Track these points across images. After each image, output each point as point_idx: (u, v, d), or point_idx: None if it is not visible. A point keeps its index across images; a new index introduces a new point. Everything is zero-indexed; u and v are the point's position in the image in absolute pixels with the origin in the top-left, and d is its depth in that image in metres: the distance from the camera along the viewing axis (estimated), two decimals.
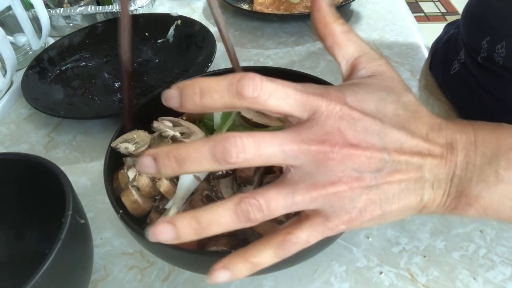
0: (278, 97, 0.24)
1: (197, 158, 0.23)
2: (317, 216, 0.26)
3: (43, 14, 0.67)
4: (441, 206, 0.27)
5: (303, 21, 0.77)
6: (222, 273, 0.25)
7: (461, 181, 0.26)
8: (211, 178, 0.37)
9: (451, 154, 0.26)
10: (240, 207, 0.24)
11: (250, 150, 0.23)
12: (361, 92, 0.27)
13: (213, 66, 0.61)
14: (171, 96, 0.24)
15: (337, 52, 0.29)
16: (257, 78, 0.24)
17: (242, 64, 0.68)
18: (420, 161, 0.26)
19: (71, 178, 0.36)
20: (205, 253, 0.33)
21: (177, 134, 0.40)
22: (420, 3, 2.70)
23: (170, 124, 0.41)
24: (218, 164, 0.23)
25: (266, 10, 0.77)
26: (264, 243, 0.26)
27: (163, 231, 0.24)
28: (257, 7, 0.78)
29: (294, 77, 0.44)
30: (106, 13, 0.78)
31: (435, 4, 2.70)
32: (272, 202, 0.24)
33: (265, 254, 0.26)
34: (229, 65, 0.45)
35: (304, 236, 0.26)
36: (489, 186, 0.26)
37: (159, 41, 0.73)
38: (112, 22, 0.77)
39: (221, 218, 0.24)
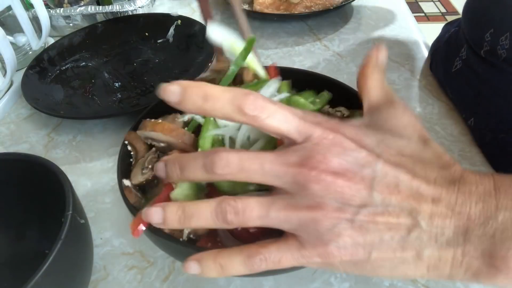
0: (276, 119, 0.25)
1: (192, 167, 0.26)
2: (294, 240, 0.25)
3: (43, 14, 0.67)
4: (458, 268, 0.23)
5: (303, 21, 0.77)
6: (193, 266, 0.27)
7: (480, 238, 0.23)
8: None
9: (462, 205, 0.23)
10: (220, 206, 0.25)
11: (234, 164, 0.25)
12: (365, 129, 0.26)
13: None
14: (172, 92, 0.25)
15: (363, 94, 0.30)
16: (260, 99, 0.25)
17: None
18: (417, 206, 0.23)
19: (71, 178, 0.36)
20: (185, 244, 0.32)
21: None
22: (420, 3, 2.70)
23: None
24: (208, 174, 0.26)
25: (266, 10, 0.77)
26: (237, 250, 0.26)
27: (154, 213, 0.27)
28: (257, 7, 0.78)
29: (320, 81, 0.44)
30: (106, 13, 0.78)
31: (435, 4, 2.70)
32: (248, 210, 0.25)
33: (235, 261, 0.26)
34: None
35: (276, 256, 0.26)
36: None
37: (159, 41, 0.73)
38: (112, 22, 0.77)
39: (202, 213, 0.26)
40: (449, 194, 0.23)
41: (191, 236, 0.34)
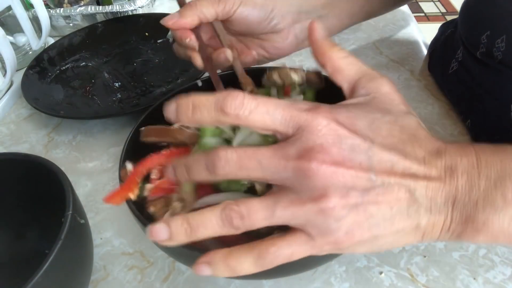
0: (259, 113, 0.25)
1: (196, 169, 0.27)
2: (302, 233, 0.26)
3: (43, 14, 0.67)
4: (445, 232, 0.26)
5: None
6: (204, 268, 0.26)
7: (465, 206, 0.25)
8: None
9: (451, 178, 0.25)
10: (224, 212, 0.25)
11: (233, 163, 0.25)
12: (355, 111, 0.27)
13: None
14: (169, 111, 0.26)
15: (339, 77, 0.30)
16: (240, 96, 0.25)
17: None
18: (412, 184, 0.25)
19: (71, 178, 0.36)
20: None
21: None
22: (420, 3, 2.70)
23: None
24: (211, 175, 0.26)
25: None
26: (245, 250, 0.26)
27: (159, 231, 0.26)
28: None
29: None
30: (106, 13, 0.78)
31: (435, 4, 2.70)
32: (253, 212, 0.25)
33: (245, 262, 0.26)
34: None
35: (287, 251, 0.26)
36: (497, 210, 0.25)
37: (159, 41, 0.73)
38: (112, 22, 0.77)
39: (208, 222, 0.26)
40: (438, 170, 0.25)
41: None
